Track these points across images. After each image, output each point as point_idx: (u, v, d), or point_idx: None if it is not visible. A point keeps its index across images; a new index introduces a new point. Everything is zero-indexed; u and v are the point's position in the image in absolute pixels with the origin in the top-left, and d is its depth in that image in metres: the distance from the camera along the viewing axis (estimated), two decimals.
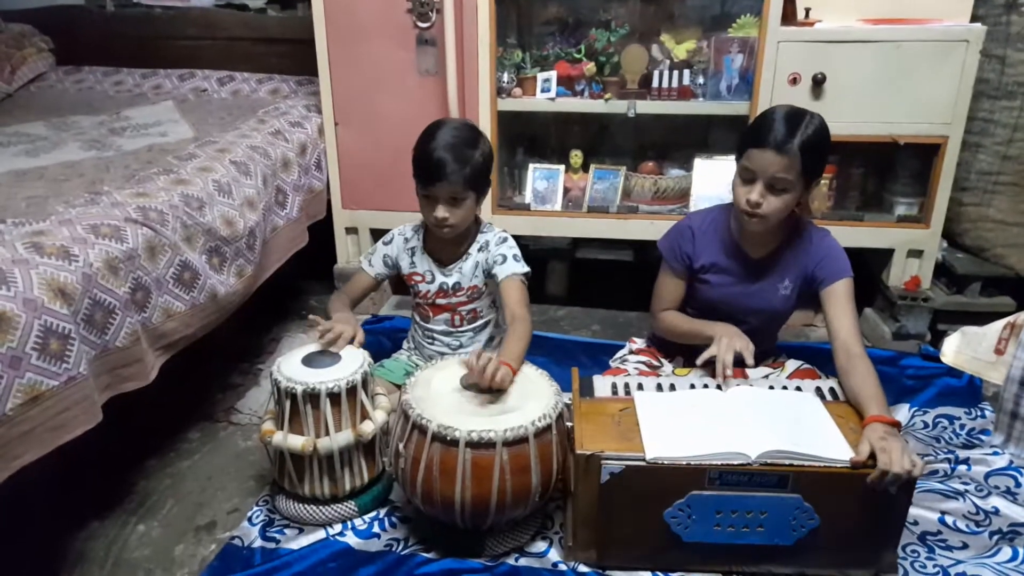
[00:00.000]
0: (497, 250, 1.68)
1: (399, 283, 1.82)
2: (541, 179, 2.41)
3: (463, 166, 1.56)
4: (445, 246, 1.72)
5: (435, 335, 1.79)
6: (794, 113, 1.47)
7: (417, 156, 1.60)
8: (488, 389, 1.39)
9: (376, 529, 1.50)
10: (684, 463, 1.28)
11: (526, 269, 1.67)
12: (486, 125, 2.26)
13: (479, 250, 1.71)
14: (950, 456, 1.67)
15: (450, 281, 1.72)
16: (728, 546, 1.33)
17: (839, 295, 1.54)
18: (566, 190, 2.41)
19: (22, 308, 1.21)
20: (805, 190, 1.51)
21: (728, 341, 1.51)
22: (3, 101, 2.72)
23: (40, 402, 1.23)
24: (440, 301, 1.74)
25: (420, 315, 1.81)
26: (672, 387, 1.52)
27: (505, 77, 2.30)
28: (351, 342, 1.57)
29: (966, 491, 1.56)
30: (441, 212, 1.59)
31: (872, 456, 1.25)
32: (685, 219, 1.71)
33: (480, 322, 1.78)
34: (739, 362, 1.52)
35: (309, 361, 1.50)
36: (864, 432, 1.30)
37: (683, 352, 1.77)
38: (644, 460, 1.28)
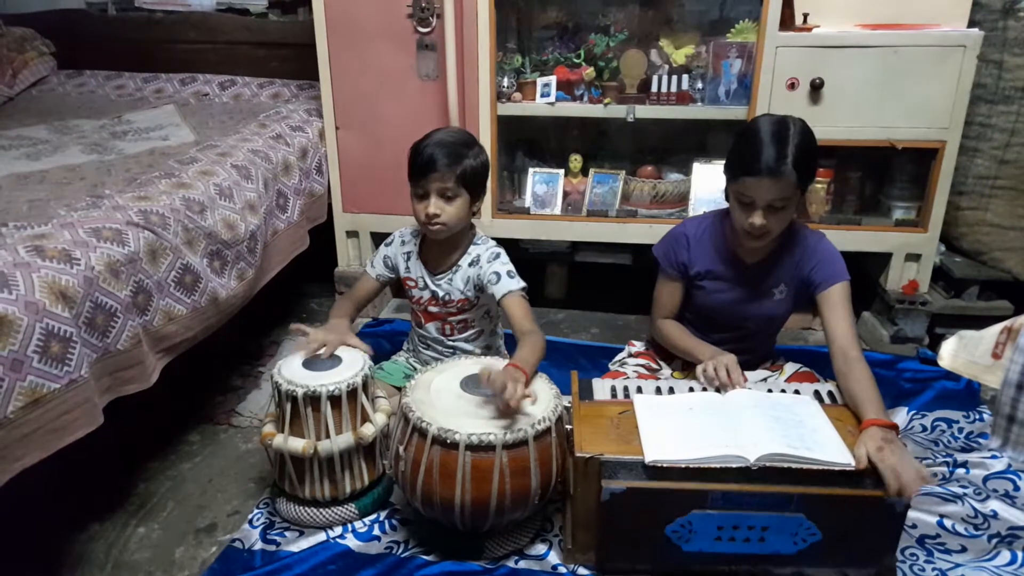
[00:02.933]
0: (489, 268, 1.65)
1: (399, 287, 1.82)
2: (541, 183, 2.42)
3: (455, 160, 1.56)
4: (437, 253, 1.71)
5: (429, 341, 1.79)
6: (777, 128, 1.45)
7: (411, 154, 1.61)
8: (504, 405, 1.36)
9: (376, 531, 1.50)
10: (683, 466, 1.28)
11: (522, 284, 1.64)
12: (486, 129, 2.27)
13: (470, 264, 1.69)
14: (948, 459, 1.67)
15: (440, 292, 1.71)
16: (728, 555, 1.33)
17: (835, 299, 1.54)
18: (565, 194, 2.41)
19: (24, 311, 1.22)
20: (802, 196, 1.52)
21: (717, 360, 1.51)
22: (4, 104, 2.73)
23: (41, 405, 1.23)
24: (432, 309, 1.74)
25: (415, 320, 1.81)
26: (671, 390, 1.52)
27: (505, 82, 2.31)
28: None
29: (964, 494, 1.56)
30: (432, 207, 1.57)
31: (870, 462, 1.25)
32: (680, 226, 1.71)
33: (471, 332, 1.78)
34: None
35: (310, 364, 1.51)
36: (861, 436, 1.31)
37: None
38: (645, 475, 1.28)
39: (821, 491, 1.26)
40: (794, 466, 1.26)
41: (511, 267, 1.66)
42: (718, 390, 1.49)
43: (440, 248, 1.70)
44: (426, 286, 1.72)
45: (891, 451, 1.25)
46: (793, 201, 1.48)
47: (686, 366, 1.76)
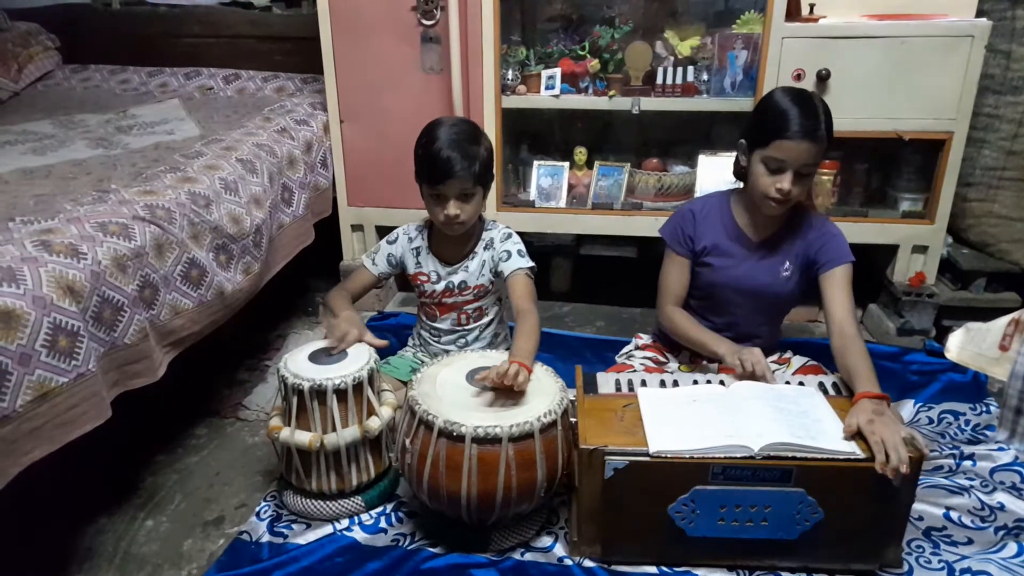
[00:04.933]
0: (502, 247, 1.68)
1: (404, 280, 1.82)
2: (545, 176, 2.42)
3: (471, 162, 1.56)
4: (451, 245, 1.72)
5: (441, 333, 1.79)
6: (802, 96, 1.51)
7: (422, 156, 1.59)
8: (503, 389, 1.37)
9: (383, 524, 1.50)
10: (687, 456, 1.28)
11: (531, 264, 1.67)
12: (490, 122, 2.26)
13: (484, 248, 1.71)
14: (955, 452, 1.67)
15: (456, 280, 1.72)
16: (732, 541, 1.34)
17: (838, 279, 1.57)
18: (570, 187, 2.41)
19: (31, 306, 1.22)
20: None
21: (746, 355, 1.51)
22: (10, 99, 2.74)
23: (50, 399, 1.24)
24: (447, 300, 1.74)
25: (426, 314, 1.81)
26: (675, 383, 1.52)
27: (509, 74, 2.30)
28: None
29: (971, 487, 1.56)
30: (452, 209, 1.58)
31: (862, 435, 1.27)
32: (685, 204, 1.74)
33: (485, 320, 1.79)
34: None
35: (316, 358, 1.51)
36: (852, 408, 1.33)
37: (689, 348, 1.78)
38: (648, 455, 1.29)
39: (819, 463, 1.27)
40: (798, 455, 1.27)
41: (522, 247, 1.69)
42: (722, 382, 1.49)
43: (455, 240, 1.70)
44: (440, 279, 1.73)
45: (881, 423, 1.27)
46: (816, 169, 1.53)
47: (693, 359, 1.76)
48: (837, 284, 1.56)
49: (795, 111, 1.47)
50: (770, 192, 1.51)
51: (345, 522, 1.50)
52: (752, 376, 1.48)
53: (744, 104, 2.18)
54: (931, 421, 1.83)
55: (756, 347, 1.54)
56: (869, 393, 1.34)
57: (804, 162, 1.48)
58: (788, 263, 1.64)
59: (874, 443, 1.25)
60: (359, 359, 1.51)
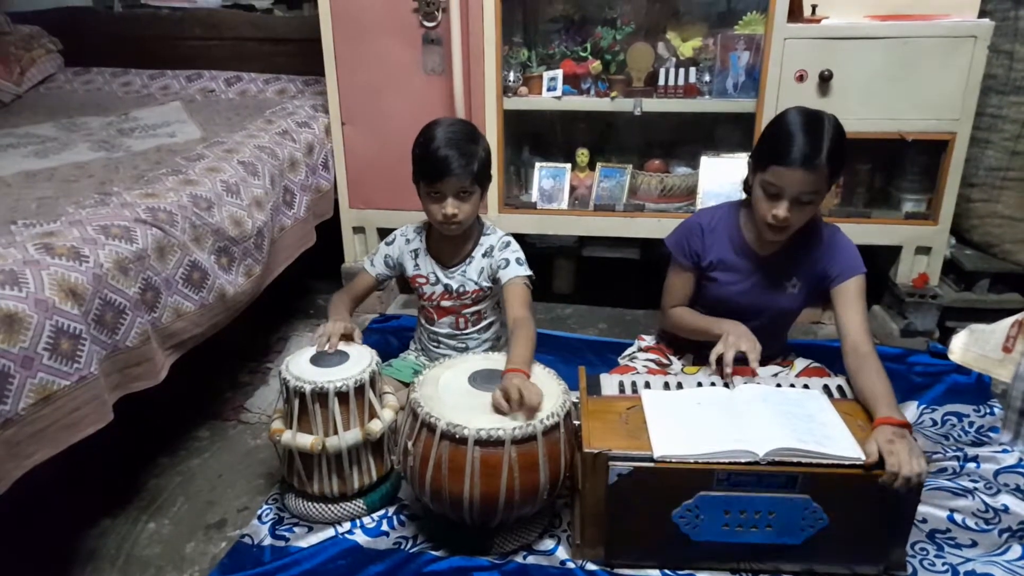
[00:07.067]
0: (501, 255, 1.67)
1: (406, 282, 1.82)
2: (547, 177, 2.41)
3: (469, 160, 1.57)
4: (448, 247, 1.71)
5: (440, 338, 1.79)
6: (811, 121, 1.44)
7: (421, 155, 1.59)
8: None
9: (385, 527, 1.50)
10: (692, 461, 1.28)
11: (529, 272, 1.66)
12: (492, 124, 2.26)
13: (483, 255, 1.70)
14: (959, 454, 1.66)
15: (454, 284, 1.72)
16: (737, 545, 1.33)
17: (850, 293, 1.53)
18: (572, 188, 2.40)
19: (34, 309, 1.22)
20: (827, 192, 1.50)
21: (734, 340, 1.51)
22: (13, 102, 2.74)
23: (52, 401, 1.24)
24: (445, 304, 1.74)
25: (425, 317, 1.81)
26: (679, 386, 1.52)
27: (511, 76, 2.30)
28: (351, 338, 1.57)
29: (975, 489, 1.55)
30: (450, 208, 1.58)
31: (881, 457, 1.25)
32: (694, 216, 1.70)
33: (484, 323, 1.78)
34: (744, 360, 1.52)
35: (317, 360, 1.51)
36: (872, 433, 1.30)
37: (693, 349, 1.77)
38: (652, 460, 1.28)
39: (825, 470, 1.26)
40: (804, 460, 1.26)
41: (521, 255, 1.68)
42: (726, 385, 1.48)
43: (452, 241, 1.70)
44: (438, 281, 1.72)
45: (902, 445, 1.25)
46: (820, 196, 1.47)
47: (697, 361, 1.76)
48: (850, 298, 1.52)
49: (797, 137, 1.41)
50: (767, 218, 1.48)
51: (347, 525, 1.50)
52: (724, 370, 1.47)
53: (747, 105, 2.17)
54: (935, 423, 1.82)
55: (751, 336, 1.52)
56: (891, 420, 1.30)
57: (801, 190, 1.43)
58: (796, 279, 1.61)
59: (890, 464, 1.23)
60: (361, 362, 1.50)
